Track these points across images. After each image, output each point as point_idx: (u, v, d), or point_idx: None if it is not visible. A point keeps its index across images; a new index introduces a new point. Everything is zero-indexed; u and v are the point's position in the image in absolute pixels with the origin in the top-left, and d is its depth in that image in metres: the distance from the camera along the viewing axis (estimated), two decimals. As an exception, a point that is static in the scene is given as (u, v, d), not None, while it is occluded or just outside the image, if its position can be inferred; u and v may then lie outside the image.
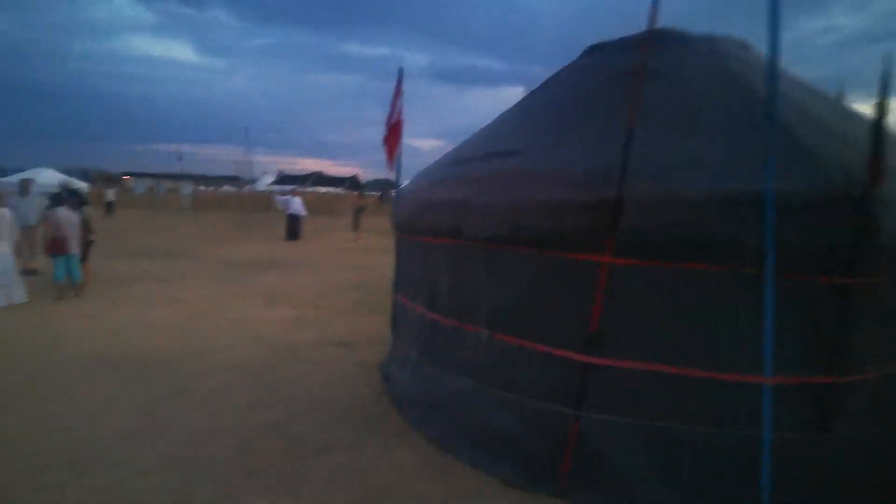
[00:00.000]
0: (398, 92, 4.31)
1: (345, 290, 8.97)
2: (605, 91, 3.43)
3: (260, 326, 6.34)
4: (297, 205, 17.08)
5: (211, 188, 42.67)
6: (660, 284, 2.70)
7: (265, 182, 51.30)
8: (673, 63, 3.42)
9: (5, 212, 6.75)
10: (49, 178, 34.15)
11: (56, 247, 7.10)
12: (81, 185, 35.35)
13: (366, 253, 14.31)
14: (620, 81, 3.32)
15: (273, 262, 11.91)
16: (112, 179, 36.87)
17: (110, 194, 24.75)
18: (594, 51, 4.13)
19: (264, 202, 34.07)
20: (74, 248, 7.30)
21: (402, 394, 3.94)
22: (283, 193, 25.06)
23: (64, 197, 7.51)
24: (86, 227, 7.67)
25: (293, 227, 16.90)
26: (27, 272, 8.66)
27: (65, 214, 7.20)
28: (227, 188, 47.23)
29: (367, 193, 28.52)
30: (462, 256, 3.31)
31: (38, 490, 2.82)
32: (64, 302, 7.13)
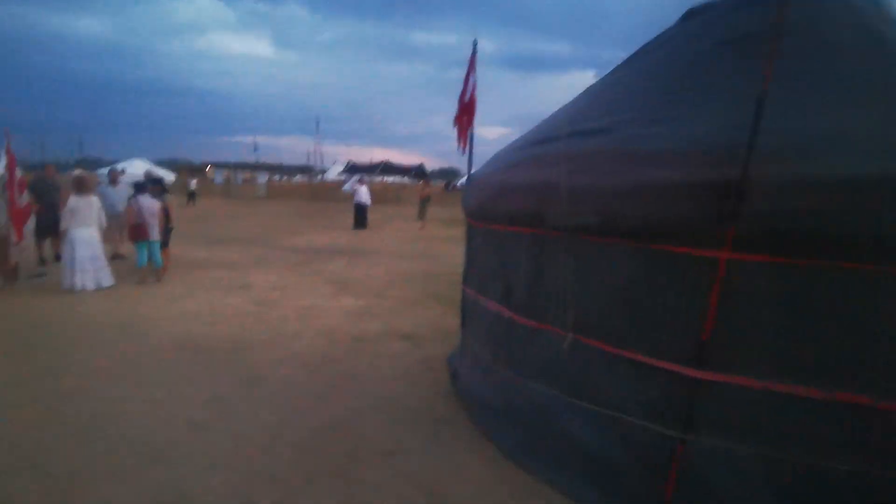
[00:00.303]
0: (472, 68, 3.95)
1: (411, 280, 8.79)
2: (717, 56, 2.91)
3: (327, 316, 6.25)
4: (363, 194, 17.21)
5: (284, 178, 44.33)
6: (791, 286, 2.20)
7: (335, 172, 52.68)
8: (805, 21, 2.83)
9: (94, 200, 7.09)
10: (139, 168, 36.79)
11: (138, 233, 7.40)
12: (167, 175, 37.85)
13: (431, 242, 14.13)
14: (740, 44, 2.80)
15: (340, 251, 11.99)
16: (195, 169, 39.20)
17: (192, 184, 26.21)
18: (695, 14, 3.57)
19: (333, 191, 34.94)
20: (155, 234, 7.57)
21: (473, 396, 3.63)
22: (352, 183, 25.45)
23: (146, 186, 7.79)
24: (166, 215, 7.94)
25: (360, 215, 17.05)
26: (115, 257, 9.16)
27: (146, 202, 7.47)
28: (298, 178, 48.94)
29: (432, 182, 28.45)
30: (544, 248, 2.93)
31: (106, 478, 2.77)
32: (145, 286, 7.41)
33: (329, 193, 34.51)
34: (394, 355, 4.96)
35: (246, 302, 6.77)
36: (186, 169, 39.12)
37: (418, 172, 38.73)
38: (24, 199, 6.67)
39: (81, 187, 7.03)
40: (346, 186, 17.91)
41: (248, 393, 3.94)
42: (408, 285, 8.29)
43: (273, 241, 13.36)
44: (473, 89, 3.95)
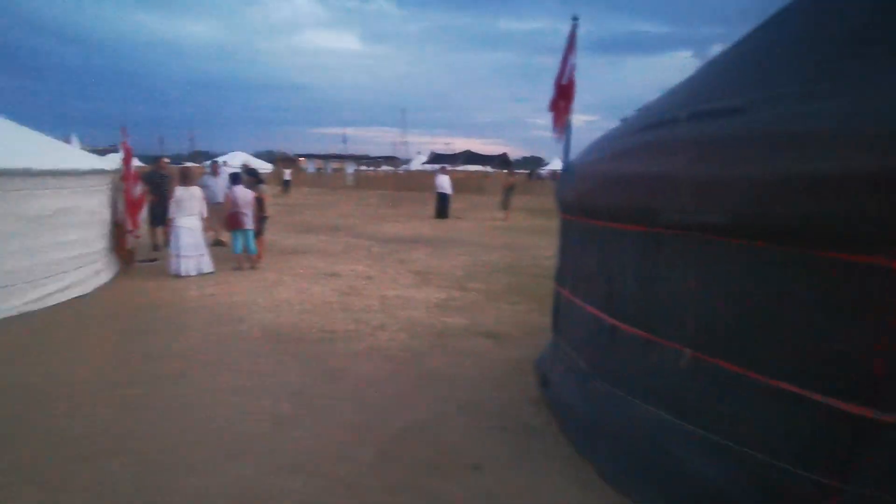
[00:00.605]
0: (571, 48, 3.58)
1: (494, 272, 8.53)
2: (888, 18, 2.33)
3: (410, 308, 6.17)
4: (444, 183, 17.12)
5: (371, 168, 45.64)
6: None
7: (419, 161, 53.46)
8: None
9: (197, 190, 7.50)
10: (239, 160, 39.35)
11: (233, 222, 7.75)
12: (263, 166, 40.24)
13: (515, 233, 13.75)
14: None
15: (423, 240, 11.98)
16: (289, 160, 41.38)
17: (287, 174, 27.63)
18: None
19: (417, 181, 35.39)
20: (250, 223, 7.91)
21: (566, 408, 3.31)
22: (434, 172, 25.55)
23: (239, 177, 8.14)
24: (260, 205, 8.26)
25: (442, 205, 17.00)
26: (217, 243, 9.73)
27: (240, 193, 7.80)
28: (384, 168, 50.18)
29: (517, 172, 27.84)
30: (657, 248, 2.53)
31: (194, 470, 2.79)
32: (241, 273, 7.77)
33: (412, 183, 35.01)
34: (478, 353, 4.74)
35: (333, 291, 6.86)
36: (281, 160, 41.41)
37: (502, 161, 38.20)
38: (139, 189, 7.20)
39: (185, 179, 7.48)
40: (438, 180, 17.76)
41: (332, 387, 3.90)
42: (491, 278, 8.04)
43: (359, 230, 13.65)
44: (572, 71, 3.57)
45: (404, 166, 51.82)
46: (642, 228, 2.60)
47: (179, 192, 7.28)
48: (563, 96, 3.58)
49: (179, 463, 2.85)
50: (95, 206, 6.45)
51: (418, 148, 55.28)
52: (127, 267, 7.64)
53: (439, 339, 5.11)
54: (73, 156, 6.28)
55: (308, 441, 3.12)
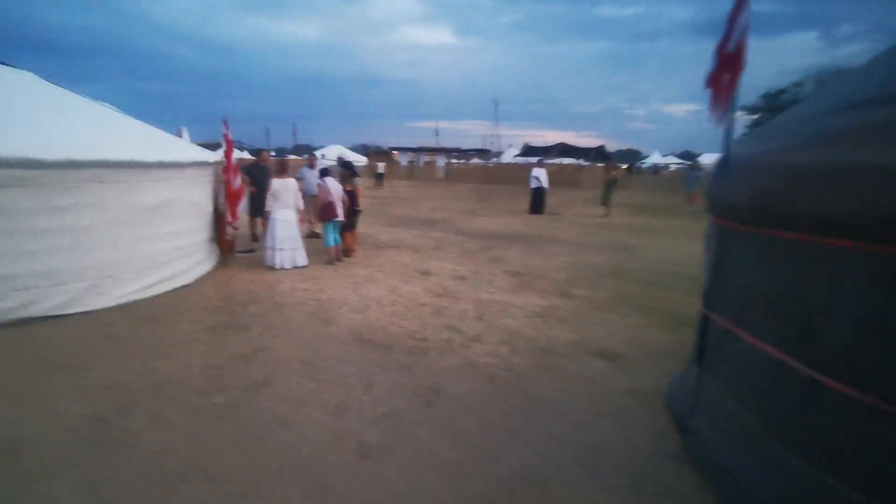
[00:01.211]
0: (742, 4, 2.75)
1: (598, 275, 7.68)
2: None
3: (509, 316, 5.57)
4: (540, 177, 16.24)
5: (462, 161, 45.45)
6: None
7: (511, 154, 52.50)
8: None
9: (292, 182, 7.41)
10: (336, 153, 40.78)
11: (328, 212, 7.61)
12: (359, 159, 41.40)
13: (616, 231, 12.64)
14: None
15: (518, 237, 11.31)
16: (383, 153, 42.31)
17: (380, 167, 28.08)
18: None
19: (508, 174, 34.59)
20: (341, 214, 7.77)
21: (727, 477, 2.53)
22: (530, 166, 24.65)
23: (328, 170, 8.04)
24: (353, 199, 8.07)
25: (537, 200, 16.16)
26: (312, 235, 9.75)
27: (332, 184, 7.64)
28: (475, 160, 49.84)
29: (618, 165, 26.06)
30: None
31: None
32: (332, 268, 7.60)
33: (504, 176, 34.25)
34: (591, 378, 4.04)
35: (425, 291, 6.44)
36: (375, 153, 42.43)
37: (599, 154, 36.25)
38: (238, 181, 7.25)
39: (281, 171, 7.42)
40: (534, 173, 16.96)
41: (425, 412, 3.42)
42: (596, 283, 7.21)
43: (452, 224, 13.26)
44: (744, 34, 2.75)
45: (495, 159, 51.12)
46: (877, 248, 1.79)
47: (275, 184, 7.23)
48: (728, 67, 2.77)
49: (258, 499, 2.49)
50: (198, 198, 6.52)
51: (510, 140, 54.28)
52: (226, 257, 7.76)
53: (544, 356, 4.46)
54: (179, 148, 6.37)
55: (398, 483, 2.64)
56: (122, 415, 3.19)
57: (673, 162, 65.67)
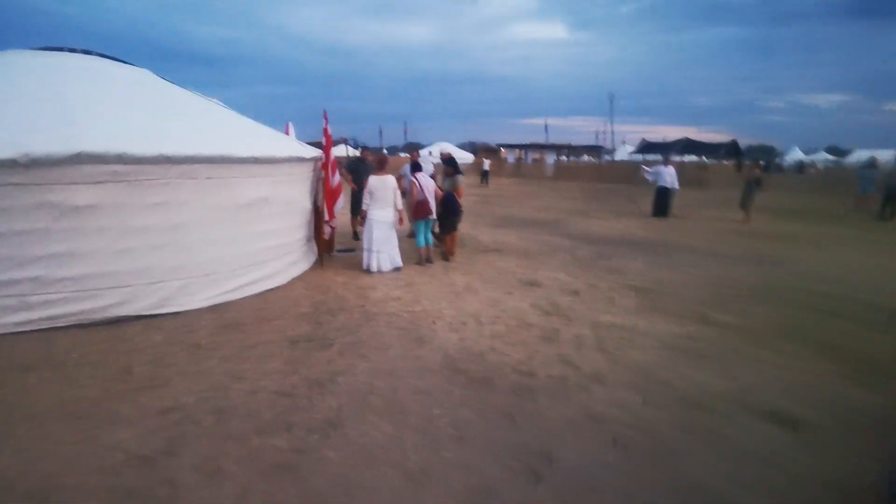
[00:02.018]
0: None
1: (745, 296, 6.25)
2: None
3: (635, 346, 4.52)
4: (668, 176, 14.43)
5: (572, 158, 43.38)
6: None
7: (625, 151, 49.19)
8: None
9: (391, 179, 6.89)
10: (443, 150, 40.88)
11: (421, 210, 7.08)
12: (465, 157, 41.06)
13: (759, 240, 10.68)
14: None
15: (640, 244, 9.92)
16: (489, 150, 41.62)
17: (486, 164, 27.39)
18: None
19: (623, 173, 32.17)
20: (433, 212, 7.19)
21: None
22: (648, 163, 22.53)
23: (420, 165, 7.50)
24: (454, 199, 7.42)
25: (662, 201, 14.39)
26: (412, 235, 9.25)
27: (424, 179, 7.06)
28: (586, 158, 47.42)
29: (760, 162, 22.72)
30: None
31: None
32: (429, 272, 6.98)
33: (618, 174, 31.89)
34: (767, 458, 2.90)
35: (532, 307, 5.55)
36: (482, 150, 41.87)
37: (730, 150, 32.41)
38: (337, 178, 6.89)
39: (380, 167, 6.93)
40: (648, 170, 15.27)
41: (530, 491, 2.56)
42: (743, 306, 5.81)
43: (562, 226, 12.14)
44: None
45: (608, 156, 48.22)
46: None
47: (373, 181, 6.75)
48: None
49: None
50: (294, 196, 6.21)
51: (623, 137, 50.79)
52: (325, 256, 7.48)
53: (689, 412, 3.39)
54: (277, 144, 6.09)
55: None
56: (170, 454, 2.73)
57: (821, 158, 57.43)
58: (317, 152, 6.83)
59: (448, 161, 8.03)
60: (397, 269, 6.92)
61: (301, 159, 6.14)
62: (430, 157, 17.30)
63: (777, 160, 41.80)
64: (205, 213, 5.03)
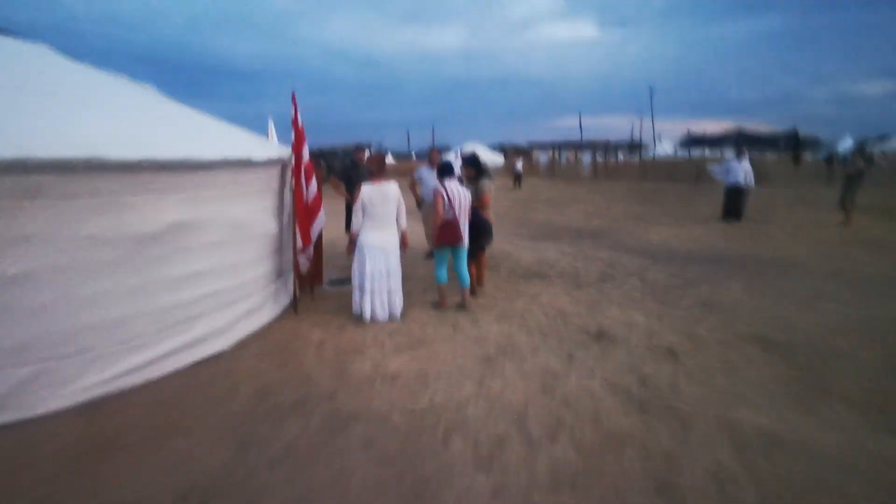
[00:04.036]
0: None
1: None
2: None
3: (829, 492, 2.30)
4: (740, 171, 11.92)
5: (610, 157, 40.61)
6: None
7: (665, 148, 46.06)
8: None
9: (393, 189, 4.75)
10: (473, 150, 38.66)
11: (448, 234, 4.86)
12: (495, 158, 38.82)
13: (879, 250, 8.13)
14: None
15: (725, 259, 7.56)
16: (521, 151, 39.27)
17: (519, 165, 25.11)
18: None
19: (668, 170, 29.34)
20: (466, 237, 4.97)
21: None
22: (711, 160, 19.92)
23: (451, 168, 5.15)
24: (475, 212, 5.28)
25: (735, 202, 11.89)
26: (430, 256, 7.18)
27: (455, 190, 4.88)
28: (621, 156, 44.59)
29: (871, 152, 19.39)
30: None
31: None
32: (444, 320, 4.85)
33: (662, 172, 29.05)
34: None
35: (612, 394, 3.36)
36: (513, 151, 39.57)
37: (790, 142, 29.12)
38: (314, 189, 4.86)
39: (376, 171, 4.84)
40: (715, 167, 12.74)
41: None
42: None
43: (616, 237, 9.84)
44: None
45: (648, 153, 45.21)
46: None
47: (367, 192, 4.69)
48: None
49: None
50: (243, 216, 4.21)
51: (662, 133, 47.46)
52: (308, 293, 5.48)
53: None
54: (218, 143, 4.11)
55: None
56: None
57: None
58: (281, 153, 4.81)
59: (470, 161, 5.90)
60: (398, 318, 4.85)
61: (248, 163, 4.11)
62: (456, 160, 15.23)
63: (831, 150, 37.56)
64: (71, 253, 3.07)
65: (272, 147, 4.71)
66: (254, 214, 4.38)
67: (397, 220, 4.83)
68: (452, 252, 5.02)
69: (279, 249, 4.96)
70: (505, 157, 40.22)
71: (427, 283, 6.12)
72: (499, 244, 8.81)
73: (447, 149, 41.25)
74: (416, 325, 4.68)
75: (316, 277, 5.82)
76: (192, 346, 3.76)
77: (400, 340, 4.31)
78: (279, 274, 5.04)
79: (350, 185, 6.26)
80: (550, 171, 35.07)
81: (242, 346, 4.15)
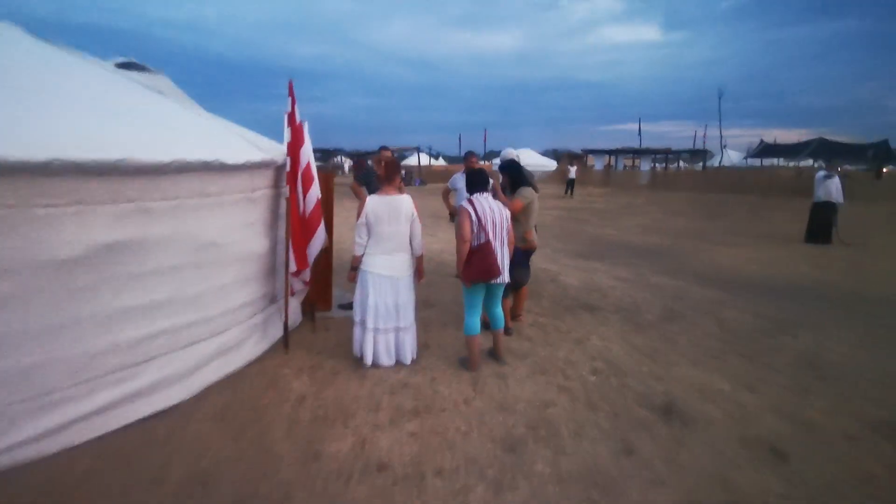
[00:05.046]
0: None
1: None
2: None
3: None
4: (833, 187, 10.24)
5: (671, 164, 38.20)
6: None
7: (731, 156, 42.96)
8: None
9: (403, 202, 3.76)
10: (526, 157, 37.38)
11: (478, 267, 3.78)
12: (545, 163, 37.28)
13: None
14: None
15: (817, 294, 6.14)
16: (575, 157, 37.51)
17: (571, 171, 23.66)
18: None
19: (736, 181, 27.03)
20: (506, 272, 3.89)
21: None
22: (785, 169, 17.90)
23: (485, 179, 4.02)
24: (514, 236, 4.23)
25: (822, 221, 10.22)
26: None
27: (488, 207, 3.82)
28: (683, 164, 41.94)
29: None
30: None
31: None
32: (467, 380, 3.83)
33: (728, 183, 26.75)
34: None
35: (705, 479, 2.26)
36: (566, 156, 37.93)
37: (879, 153, 26.10)
38: (313, 200, 3.97)
39: (387, 176, 3.87)
40: (822, 176, 10.96)
41: None
42: None
43: (681, 258, 8.50)
44: None
45: (711, 162, 42.34)
46: None
47: (372, 204, 3.74)
48: None
49: None
50: (216, 233, 3.36)
51: (725, 141, 44.16)
52: (308, 321, 4.63)
53: None
54: (186, 143, 3.28)
55: None
56: None
57: None
58: (272, 155, 3.92)
59: (507, 167, 4.86)
60: (407, 363, 3.89)
61: (221, 168, 3.24)
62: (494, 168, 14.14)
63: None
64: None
65: (260, 148, 3.84)
66: (230, 231, 3.52)
67: (411, 241, 3.86)
68: (488, 291, 3.95)
69: (270, 272, 4.11)
70: (557, 162, 38.61)
71: (453, 313, 5.14)
72: (543, 261, 7.70)
73: (496, 153, 40.01)
74: (427, 379, 3.69)
75: (320, 301, 4.96)
76: (131, 400, 2.93)
77: (402, 401, 3.34)
78: (270, 301, 4.19)
79: (372, 191, 5.35)
80: (606, 178, 33.24)
81: (204, 397, 3.29)
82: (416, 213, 3.83)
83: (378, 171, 3.82)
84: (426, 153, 33.07)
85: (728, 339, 4.66)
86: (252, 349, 3.90)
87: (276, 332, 4.22)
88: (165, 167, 2.84)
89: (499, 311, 4.03)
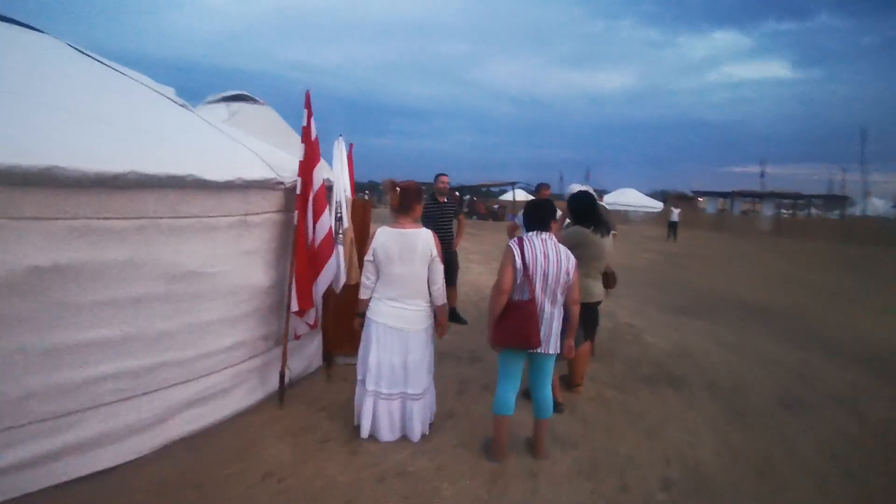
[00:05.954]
0: None
1: None
2: None
3: None
4: None
5: (801, 212, 33.92)
6: None
7: (878, 205, 37.28)
8: None
9: (421, 237, 2.99)
10: (629, 198, 35.31)
11: (511, 329, 2.87)
12: (650, 203, 34.79)
13: None
14: None
15: None
16: (683, 198, 34.68)
17: (674, 214, 21.57)
18: None
19: (881, 232, 23.08)
20: (556, 341, 2.96)
21: None
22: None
23: (549, 212, 3.12)
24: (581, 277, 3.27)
25: None
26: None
27: (544, 251, 2.92)
28: (814, 211, 37.05)
29: None
30: None
31: None
32: (491, 476, 2.93)
33: (873, 234, 22.87)
34: None
35: None
36: (673, 197, 35.22)
37: None
38: (325, 228, 3.39)
39: (403, 208, 3.16)
40: None
41: None
42: None
43: (804, 321, 6.85)
44: None
45: (852, 210, 36.99)
46: None
47: (382, 239, 3.05)
48: None
49: None
50: (198, 261, 2.86)
51: (868, 188, 38.22)
52: (324, 370, 4.03)
53: None
54: (177, 157, 2.85)
55: None
56: None
57: None
58: (279, 174, 3.40)
59: (575, 202, 3.95)
60: (416, 440, 3.08)
61: (201, 184, 2.75)
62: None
63: None
64: None
65: (263, 165, 3.34)
66: (220, 260, 3.01)
67: (429, 286, 3.11)
68: (529, 359, 3.06)
69: (274, 310, 3.57)
70: (664, 203, 35.98)
71: (485, 374, 4.26)
72: (626, 314, 6.54)
73: (602, 193, 38.17)
74: (433, 466, 2.85)
75: (346, 344, 4.33)
76: (56, 458, 2.43)
77: (388, 497, 2.53)
78: (275, 343, 3.63)
79: (426, 225, 4.71)
80: (719, 223, 30.16)
81: (157, 458, 2.73)
82: (436, 252, 3.08)
83: (391, 200, 3.14)
84: (522, 188, 32.22)
85: (872, 447, 3.30)
86: (242, 399, 3.33)
87: (276, 381, 3.63)
88: (116, 180, 2.38)
89: (545, 395, 3.04)
